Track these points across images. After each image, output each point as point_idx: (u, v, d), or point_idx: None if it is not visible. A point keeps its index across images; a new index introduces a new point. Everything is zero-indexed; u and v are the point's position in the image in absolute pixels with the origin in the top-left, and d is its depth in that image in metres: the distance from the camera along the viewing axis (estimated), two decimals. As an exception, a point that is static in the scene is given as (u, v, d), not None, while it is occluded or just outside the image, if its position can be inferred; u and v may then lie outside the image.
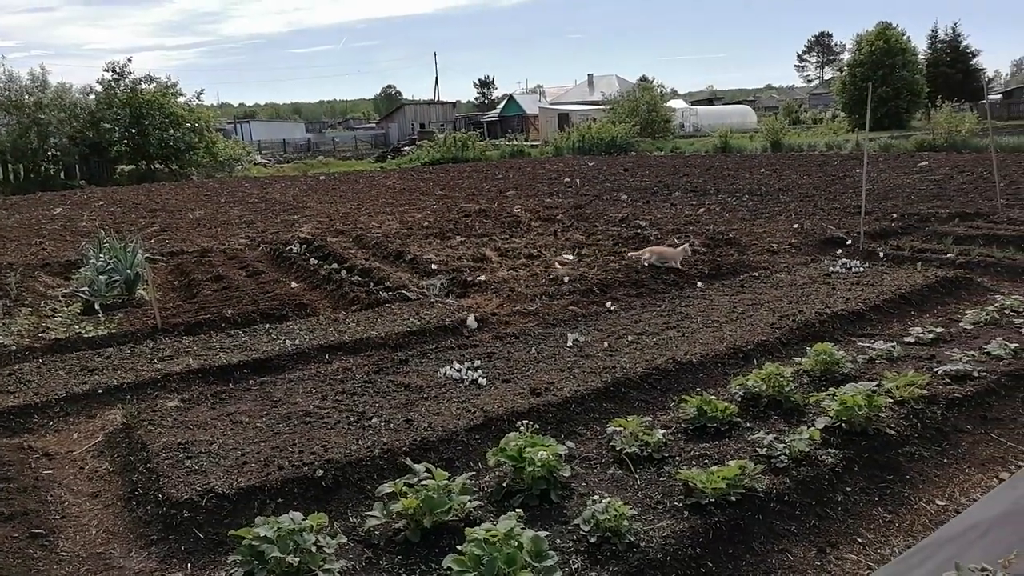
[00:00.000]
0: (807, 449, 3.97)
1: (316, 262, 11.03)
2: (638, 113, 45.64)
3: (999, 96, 63.82)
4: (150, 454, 4.58)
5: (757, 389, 4.79)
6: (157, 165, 39.43)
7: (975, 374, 4.98)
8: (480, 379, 5.70)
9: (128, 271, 9.40)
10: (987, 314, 6.31)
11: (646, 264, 9.51)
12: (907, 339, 5.93)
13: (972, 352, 5.33)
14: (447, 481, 3.62)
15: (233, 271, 10.92)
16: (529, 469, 3.78)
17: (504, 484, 3.91)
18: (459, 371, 5.89)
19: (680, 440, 4.43)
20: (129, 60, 41.80)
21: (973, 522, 3.25)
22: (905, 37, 48.01)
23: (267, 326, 7.73)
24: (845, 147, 31.00)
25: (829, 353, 5.15)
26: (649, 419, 4.52)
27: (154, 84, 40.27)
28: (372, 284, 9.54)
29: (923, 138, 29.14)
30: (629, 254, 10.09)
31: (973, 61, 56.10)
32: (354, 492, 4.22)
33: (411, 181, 26.79)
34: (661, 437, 4.23)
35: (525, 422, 4.24)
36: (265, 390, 5.78)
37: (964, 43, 55.99)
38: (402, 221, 14.98)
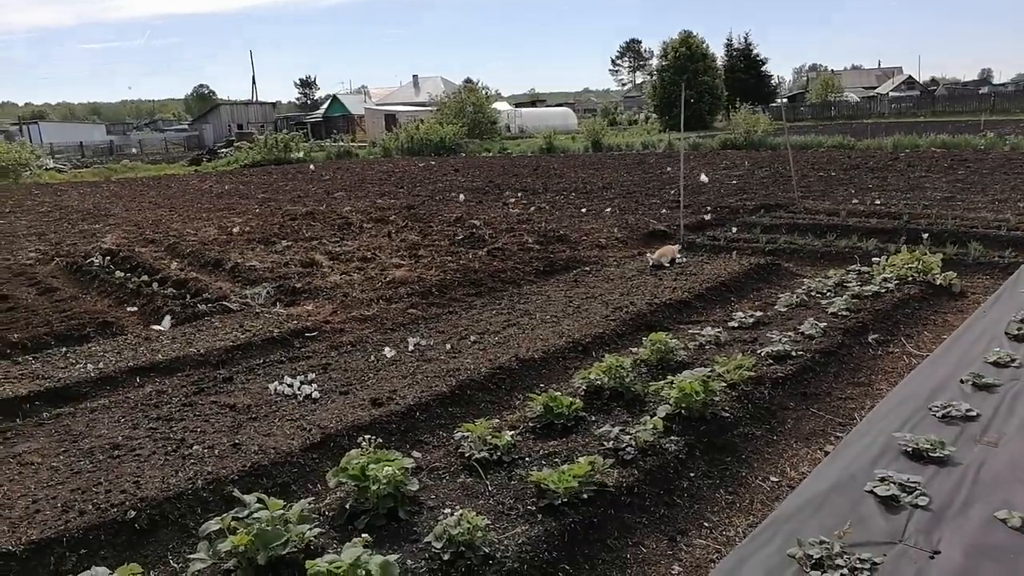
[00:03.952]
0: (652, 439, 4.00)
1: (123, 275, 9.95)
2: (465, 114, 45.90)
3: (785, 100, 70.74)
4: (-90, 513, 3.81)
5: (599, 382, 4.81)
6: (-80, 172, 34.26)
7: (793, 353, 5.32)
8: (315, 393, 5.33)
9: None
10: (797, 297, 6.82)
11: (655, 263, 8.87)
12: (731, 324, 6.25)
13: (789, 333, 5.70)
14: (283, 510, 3.27)
15: (20, 289, 9.61)
16: (374, 487, 3.51)
17: (348, 506, 3.61)
18: (291, 386, 5.48)
19: (529, 440, 4.33)
20: None
21: (808, 497, 3.40)
22: (705, 45, 51.95)
23: (64, 350, 6.83)
24: (659, 147, 32.95)
25: (664, 342, 5.28)
26: (497, 421, 4.40)
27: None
28: (189, 296, 8.74)
29: (726, 137, 31.59)
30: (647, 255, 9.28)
31: (764, 67, 61.84)
32: (175, 532, 3.75)
33: (230, 184, 25.17)
34: (510, 439, 4.11)
35: (367, 436, 3.95)
36: (62, 423, 5.06)
37: (755, 51, 61.52)
38: (221, 227, 13.94)
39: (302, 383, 5.52)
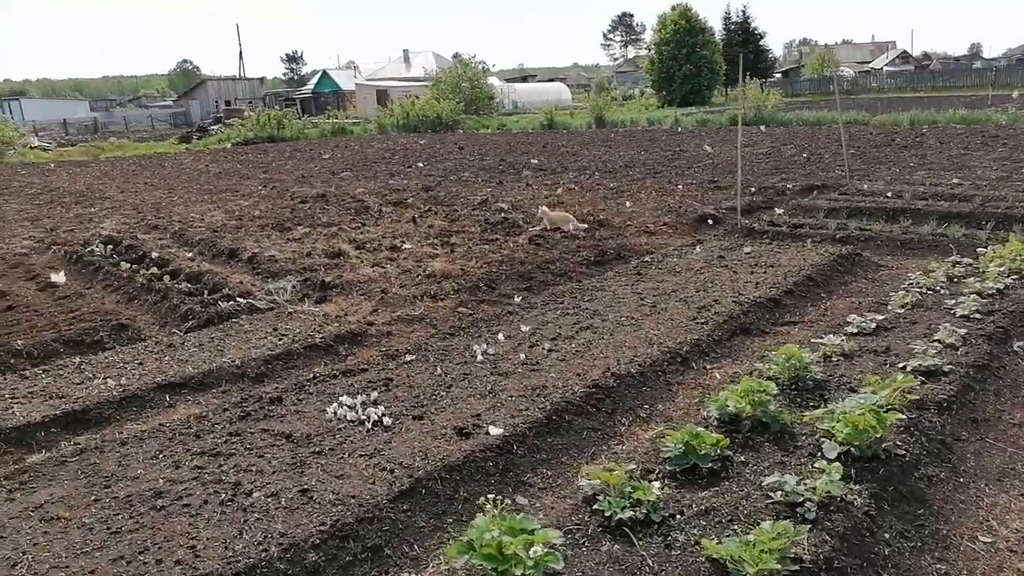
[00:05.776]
0: (838, 492, 3.23)
1: (129, 266, 9.05)
2: (461, 90, 44.65)
3: (780, 75, 69.57)
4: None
5: (736, 409, 4.03)
6: None
7: (946, 369, 4.54)
8: (385, 418, 4.52)
9: None
10: (912, 296, 6.03)
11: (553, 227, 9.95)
12: (849, 329, 5.45)
13: (935, 343, 4.91)
14: (415, 615, 2.48)
15: (18, 284, 8.70)
16: (518, 572, 2.72)
17: (476, 590, 2.83)
18: (353, 407, 4.67)
19: (669, 487, 3.55)
20: None
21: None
22: (702, 17, 50.81)
23: (77, 359, 5.98)
24: (665, 123, 31.99)
25: (799, 357, 4.50)
26: (634, 466, 3.60)
27: None
28: (206, 292, 7.87)
29: (736, 113, 30.70)
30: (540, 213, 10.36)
31: (762, 42, 60.73)
32: (252, 622, 2.96)
33: (227, 164, 24.06)
34: (659, 492, 3.32)
35: (492, 496, 3.15)
36: (88, 460, 4.23)
37: (753, 25, 60.36)
38: (228, 211, 13.00)
39: (364, 404, 4.71)
